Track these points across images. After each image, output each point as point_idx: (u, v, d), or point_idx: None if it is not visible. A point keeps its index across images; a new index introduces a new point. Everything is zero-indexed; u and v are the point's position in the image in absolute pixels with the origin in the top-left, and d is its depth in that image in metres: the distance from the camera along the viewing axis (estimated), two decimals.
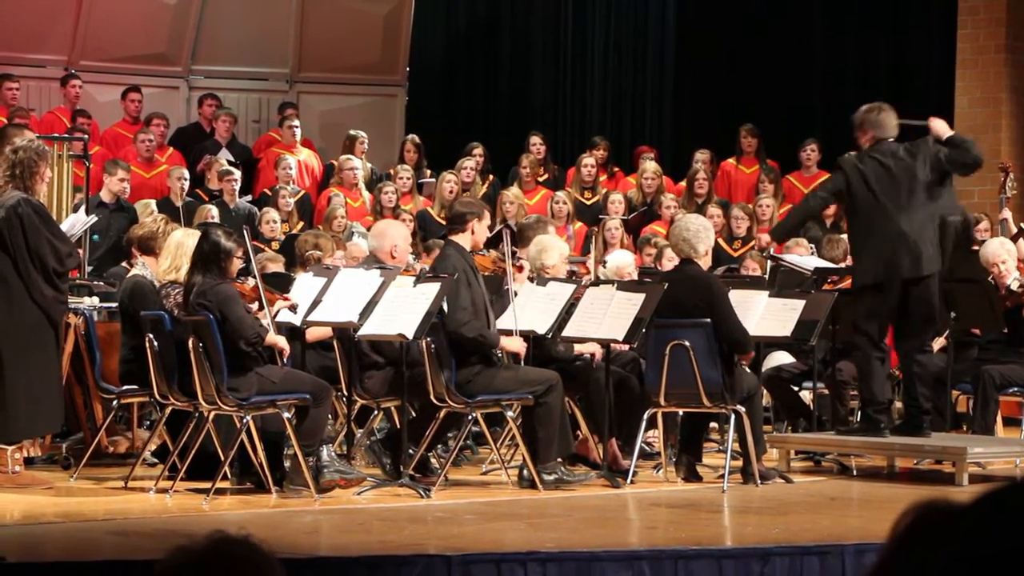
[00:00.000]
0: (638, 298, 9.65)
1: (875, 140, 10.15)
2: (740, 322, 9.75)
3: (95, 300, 10.85)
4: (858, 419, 10.90)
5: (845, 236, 12.64)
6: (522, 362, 9.86)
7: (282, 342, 9.23)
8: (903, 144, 10.17)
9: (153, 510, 8.71)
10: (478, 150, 16.34)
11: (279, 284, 10.03)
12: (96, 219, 11.20)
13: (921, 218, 9.99)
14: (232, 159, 15.78)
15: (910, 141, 10.20)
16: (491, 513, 8.68)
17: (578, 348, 10.40)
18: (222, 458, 8.99)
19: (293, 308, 9.29)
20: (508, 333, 9.79)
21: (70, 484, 9.60)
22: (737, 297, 9.96)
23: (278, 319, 9.37)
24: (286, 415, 9.03)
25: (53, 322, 9.28)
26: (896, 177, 10.01)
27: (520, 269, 10.26)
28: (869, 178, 10.02)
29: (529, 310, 9.86)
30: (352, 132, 16.42)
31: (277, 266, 11.59)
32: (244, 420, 8.93)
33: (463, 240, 9.76)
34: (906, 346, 10.19)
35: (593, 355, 10.16)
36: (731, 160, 16.35)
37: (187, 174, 14.96)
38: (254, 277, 9.39)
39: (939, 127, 10.19)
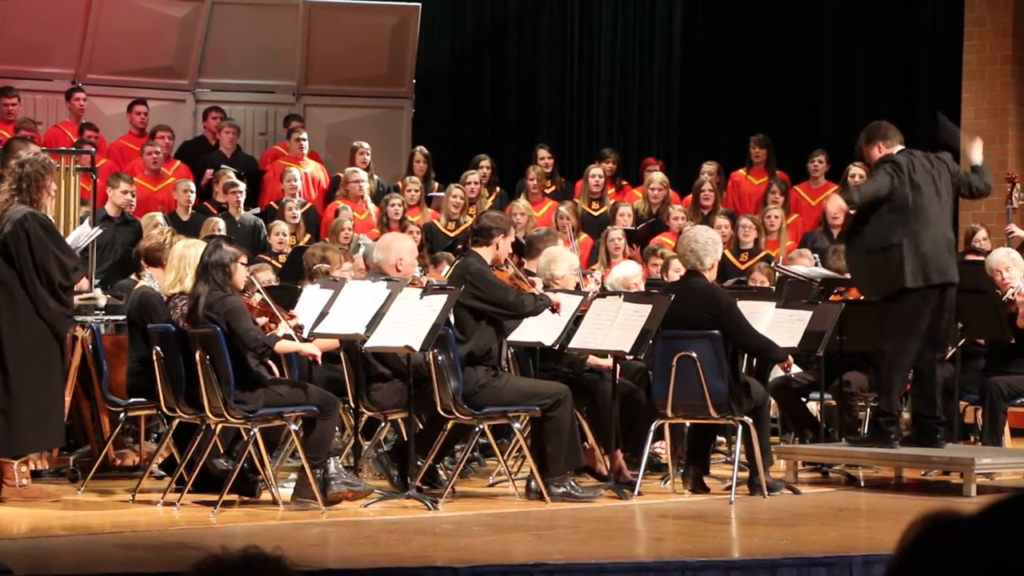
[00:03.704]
0: (645, 309, 9.65)
1: (888, 148, 10.12)
2: (755, 331, 9.73)
3: (102, 297, 10.85)
4: (866, 429, 10.90)
5: None
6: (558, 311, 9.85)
7: (309, 348, 9.20)
8: (924, 153, 10.20)
9: (160, 523, 8.71)
10: (485, 162, 16.34)
11: (283, 297, 10.04)
12: (100, 232, 11.21)
13: (949, 224, 10.09)
14: (235, 171, 15.77)
15: (925, 153, 10.21)
16: (498, 525, 8.68)
17: (595, 362, 10.42)
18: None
19: (298, 328, 9.27)
20: (532, 344, 9.98)
21: (77, 497, 9.60)
22: (744, 308, 9.95)
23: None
24: (293, 427, 9.04)
25: (58, 336, 9.29)
26: (935, 182, 10.03)
27: (532, 284, 10.26)
28: (916, 178, 9.98)
29: (535, 322, 9.86)
30: (354, 143, 16.45)
31: (267, 274, 11.64)
32: (251, 432, 8.94)
33: (485, 253, 9.81)
34: (929, 355, 10.12)
35: (609, 367, 10.13)
36: (741, 171, 16.34)
37: (193, 186, 14.99)
38: (260, 292, 9.39)
39: (976, 151, 10.30)
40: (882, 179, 9.94)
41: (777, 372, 11.76)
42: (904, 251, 9.85)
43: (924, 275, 9.88)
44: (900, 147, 10.16)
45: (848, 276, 11.84)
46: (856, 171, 15.06)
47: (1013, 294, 11.00)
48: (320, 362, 9.44)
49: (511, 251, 10.46)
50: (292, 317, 9.26)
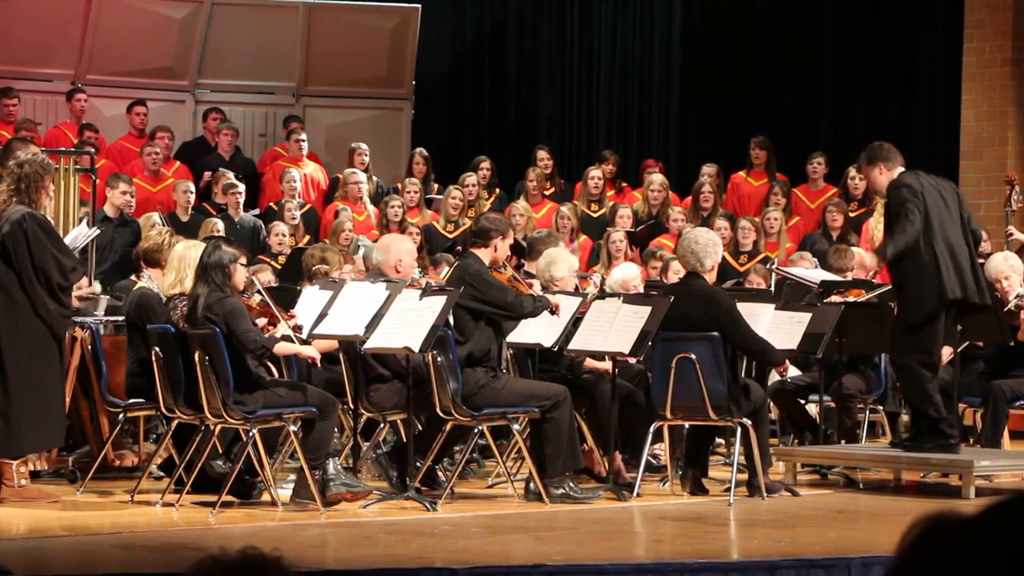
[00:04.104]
0: (644, 311, 9.64)
1: (889, 170, 10.05)
2: (755, 333, 9.73)
3: (102, 300, 10.85)
4: (864, 432, 10.88)
5: (853, 248, 12.66)
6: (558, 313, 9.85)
7: (308, 351, 9.19)
8: (926, 174, 10.17)
9: (159, 524, 8.71)
10: (485, 164, 16.35)
11: (283, 298, 10.03)
12: (98, 232, 11.20)
13: (963, 238, 10.07)
14: (234, 173, 15.77)
15: (928, 174, 10.17)
16: (497, 526, 8.68)
17: (591, 364, 10.41)
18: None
19: (297, 328, 9.26)
20: (531, 346, 9.99)
21: (76, 498, 9.59)
22: (744, 310, 9.95)
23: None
24: (292, 428, 9.04)
25: (57, 336, 9.29)
26: (943, 196, 9.99)
27: (530, 286, 10.26)
28: (934, 198, 9.92)
29: (535, 324, 9.86)
30: (352, 144, 16.45)
31: (266, 275, 11.66)
32: (250, 433, 8.94)
33: (484, 255, 9.80)
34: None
35: (607, 371, 10.13)
36: (741, 173, 16.33)
37: (193, 187, 15.00)
38: (260, 293, 9.39)
39: None
40: (913, 218, 9.80)
41: (775, 376, 11.73)
42: (939, 267, 9.78)
43: (952, 289, 9.83)
44: (901, 169, 10.08)
45: (846, 276, 11.86)
46: (856, 174, 15.06)
47: (1015, 305, 10.97)
48: (320, 365, 9.44)
49: (510, 253, 10.46)
50: (291, 317, 9.26)
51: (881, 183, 10.12)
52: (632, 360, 10.34)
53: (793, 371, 11.73)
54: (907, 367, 10.03)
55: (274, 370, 9.95)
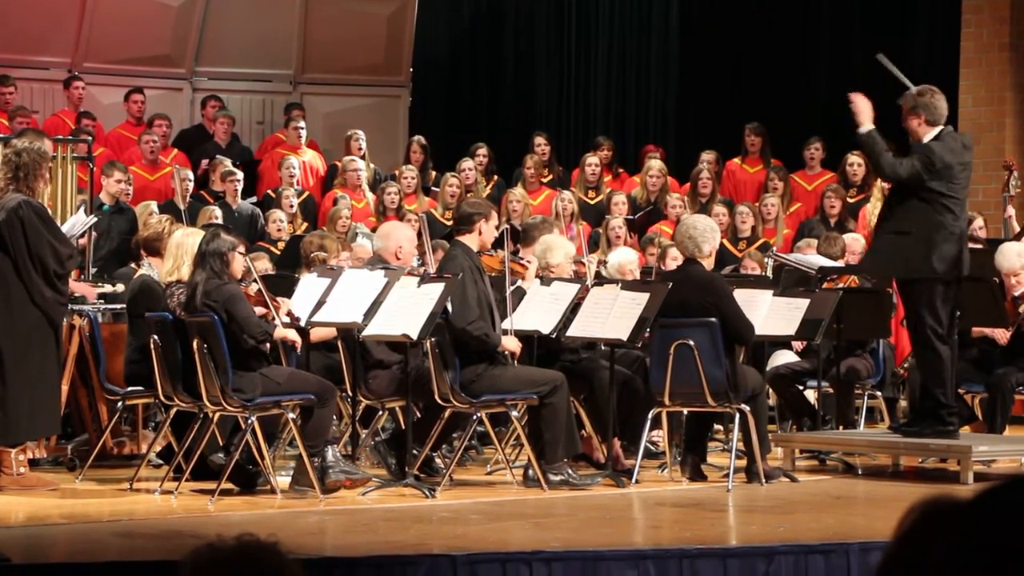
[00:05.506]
0: (642, 297, 9.65)
1: (929, 125, 9.93)
2: (746, 319, 9.74)
3: (100, 292, 10.84)
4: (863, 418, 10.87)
5: (846, 235, 12.63)
6: (515, 361, 9.77)
7: (292, 334, 9.23)
8: (962, 135, 10.07)
9: (158, 511, 8.72)
10: (482, 150, 16.35)
11: (281, 286, 10.03)
12: (96, 220, 11.19)
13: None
14: (231, 160, 15.75)
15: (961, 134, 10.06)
16: (496, 513, 8.68)
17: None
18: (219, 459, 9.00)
19: (292, 316, 9.25)
20: (529, 332, 9.86)
21: (75, 485, 9.60)
22: (742, 296, 9.95)
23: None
24: (291, 416, 9.04)
25: (53, 324, 9.29)
26: (966, 168, 9.93)
27: (525, 268, 10.25)
28: (953, 164, 9.82)
29: (533, 310, 9.86)
30: (349, 131, 16.44)
31: (263, 262, 11.67)
32: (249, 421, 8.94)
33: (470, 241, 9.78)
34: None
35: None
36: (736, 160, 16.32)
37: (191, 175, 14.99)
38: (256, 282, 9.38)
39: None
40: (908, 168, 9.73)
41: (775, 360, 11.73)
42: (937, 242, 9.71)
43: (955, 264, 9.78)
44: (940, 128, 9.93)
45: (841, 264, 11.85)
46: (854, 160, 15.04)
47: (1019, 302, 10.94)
48: (298, 348, 9.44)
49: (508, 238, 10.42)
50: (279, 307, 9.23)
51: (919, 134, 9.95)
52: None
53: (791, 357, 11.74)
54: (926, 344, 9.92)
55: (282, 358, 9.92)
